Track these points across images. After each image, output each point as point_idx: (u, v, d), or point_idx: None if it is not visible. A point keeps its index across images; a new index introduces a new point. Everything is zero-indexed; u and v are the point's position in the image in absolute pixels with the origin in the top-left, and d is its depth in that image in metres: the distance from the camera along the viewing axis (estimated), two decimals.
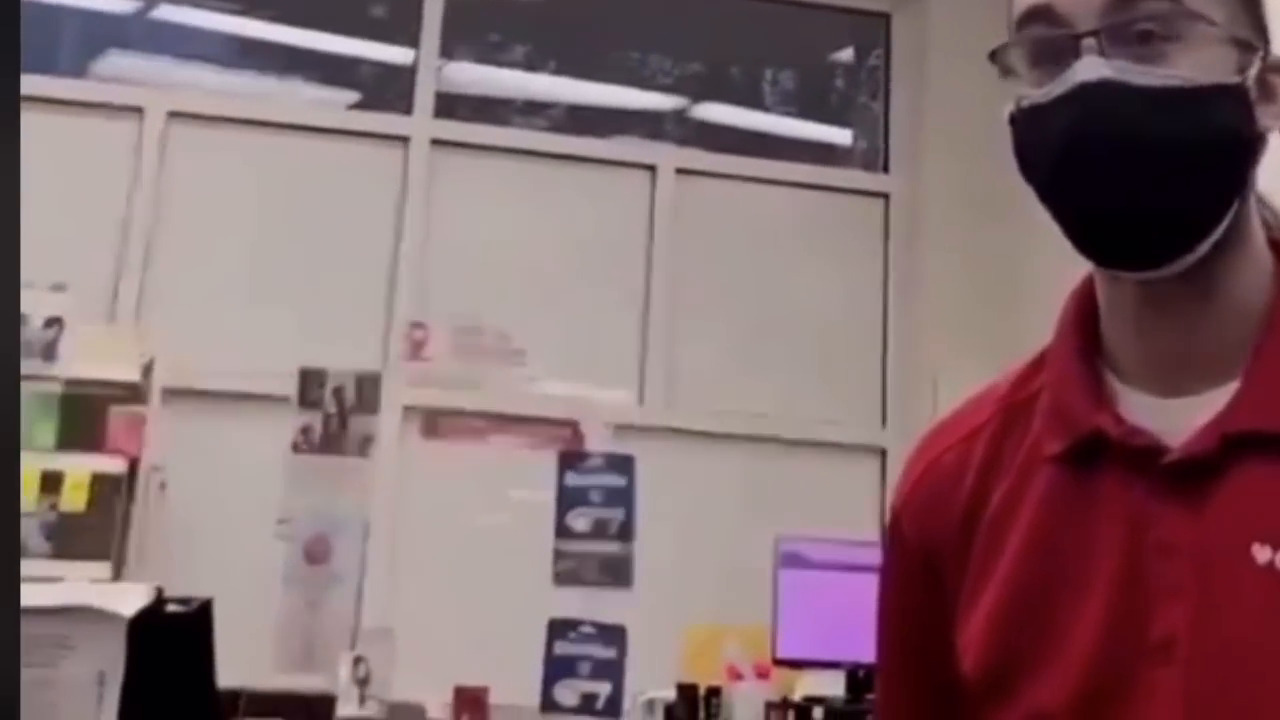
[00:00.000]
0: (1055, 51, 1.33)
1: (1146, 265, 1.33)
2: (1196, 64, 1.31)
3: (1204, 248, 1.33)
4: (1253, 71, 1.34)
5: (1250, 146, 1.35)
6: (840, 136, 7.06)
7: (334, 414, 4.33)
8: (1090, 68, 1.30)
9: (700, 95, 6.86)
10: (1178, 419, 1.35)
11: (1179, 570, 1.31)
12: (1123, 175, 1.30)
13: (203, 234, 5.92)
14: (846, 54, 7.05)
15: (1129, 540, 1.33)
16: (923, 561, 1.49)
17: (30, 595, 2.79)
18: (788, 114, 6.99)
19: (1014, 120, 1.37)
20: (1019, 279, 5.68)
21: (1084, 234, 1.35)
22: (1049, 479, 1.40)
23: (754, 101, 6.96)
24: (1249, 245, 1.38)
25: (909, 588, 1.53)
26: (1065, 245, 1.39)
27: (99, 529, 4.91)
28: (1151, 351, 1.38)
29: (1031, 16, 1.36)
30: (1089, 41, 1.31)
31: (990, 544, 1.42)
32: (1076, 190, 1.33)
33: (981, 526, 1.44)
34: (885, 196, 6.58)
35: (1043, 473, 1.41)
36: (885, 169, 6.65)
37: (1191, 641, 1.29)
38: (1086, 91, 1.30)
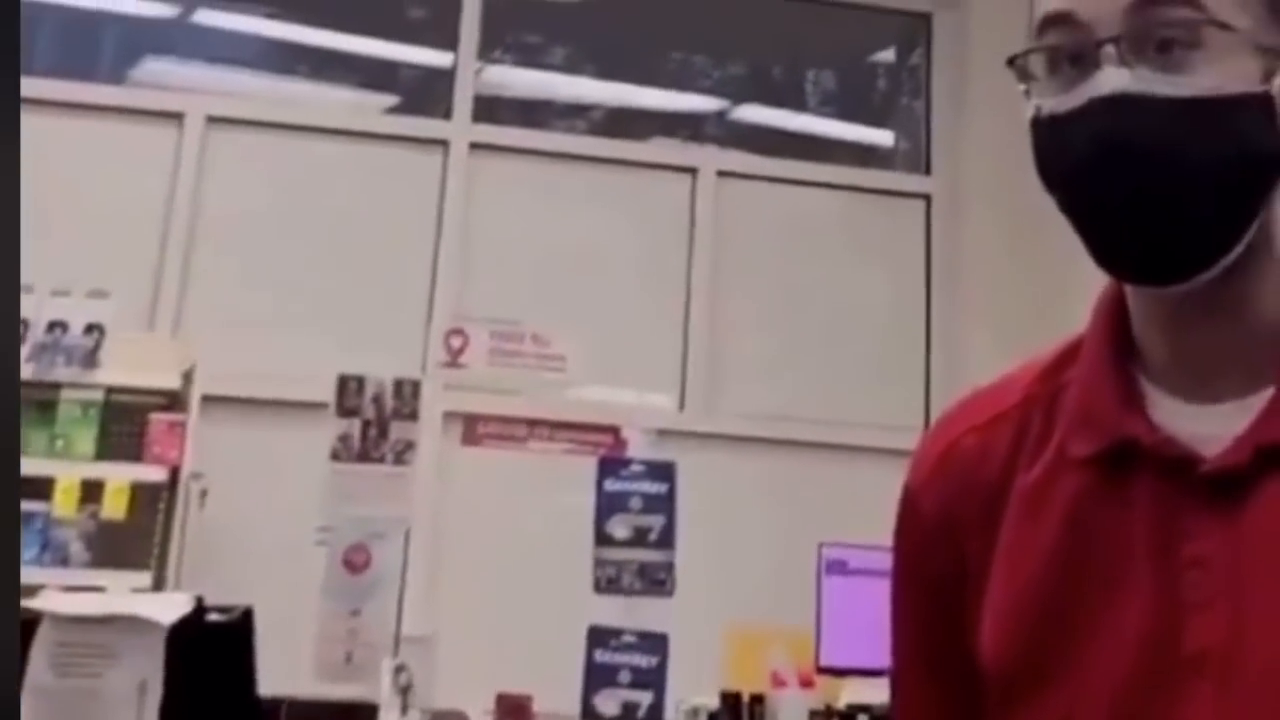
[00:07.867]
0: (1074, 58, 1.30)
1: (1167, 281, 1.31)
2: (1220, 73, 1.27)
3: (1227, 260, 1.30)
4: (1278, 80, 1.29)
5: (1276, 157, 1.30)
6: (882, 137, 7.03)
7: (372, 421, 4.30)
8: (1110, 79, 1.27)
9: (741, 97, 6.84)
10: (1210, 426, 1.33)
11: (1212, 583, 1.29)
12: (1144, 192, 1.27)
13: (241, 239, 5.92)
14: (888, 54, 7.02)
15: (1161, 551, 1.31)
16: (944, 537, 1.45)
17: (72, 604, 2.78)
18: (829, 115, 6.97)
19: (1034, 127, 1.34)
20: (1062, 279, 5.56)
21: (1104, 250, 1.32)
22: (1079, 479, 1.37)
23: (795, 103, 6.93)
24: (1275, 253, 1.35)
25: (928, 564, 1.48)
26: None
27: (139, 538, 4.92)
28: (1182, 356, 1.36)
29: (1051, 22, 1.33)
30: (1109, 49, 1.27)
31: (1016, 537, 1.39)
32: (1096, 206, 1.30)
33: (1007, 515, 1.41)
34: (927, 198, 6.54)
35: (1072, 472, 1.38)
36: (927, 170, 6.61)
37: (1224, 656, 1.27)
38: (1106, 105, 1.27)
